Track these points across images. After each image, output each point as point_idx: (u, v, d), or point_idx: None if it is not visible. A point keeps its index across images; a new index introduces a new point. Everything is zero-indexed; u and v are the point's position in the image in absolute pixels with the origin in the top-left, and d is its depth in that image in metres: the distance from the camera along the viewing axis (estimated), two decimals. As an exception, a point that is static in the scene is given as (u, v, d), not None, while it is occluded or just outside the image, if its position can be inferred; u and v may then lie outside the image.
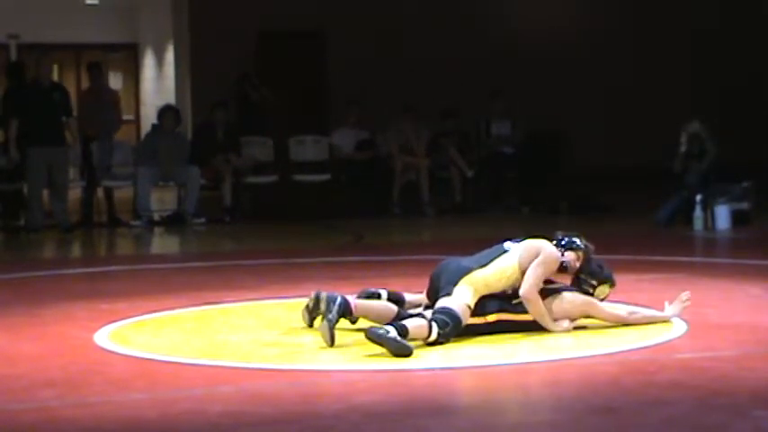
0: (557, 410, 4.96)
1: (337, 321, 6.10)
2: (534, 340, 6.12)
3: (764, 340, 6.10)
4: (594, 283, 6.43)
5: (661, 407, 4.84)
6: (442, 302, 6.11)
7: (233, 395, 5.19)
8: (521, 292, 6.23)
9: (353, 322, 6.30)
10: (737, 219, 11.95)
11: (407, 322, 5.94)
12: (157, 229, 13.47)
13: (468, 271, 6.20)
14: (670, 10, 18.64)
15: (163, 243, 13.03)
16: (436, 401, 5.06)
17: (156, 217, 13.80)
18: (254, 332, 6.58)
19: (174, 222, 13.61)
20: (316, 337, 6.21)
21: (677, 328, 6.29)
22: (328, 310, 6.10)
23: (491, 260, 6.29)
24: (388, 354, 5.80)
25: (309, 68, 17.35)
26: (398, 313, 6.20)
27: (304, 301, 6.65)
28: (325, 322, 6.09)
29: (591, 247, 6.50)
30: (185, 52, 17.40)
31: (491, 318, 6.24)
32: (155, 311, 7.27)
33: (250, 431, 4.56)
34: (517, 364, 5.68)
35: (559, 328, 6.26)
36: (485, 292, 6.21)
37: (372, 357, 5.84)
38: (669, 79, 18.53)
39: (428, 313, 6.11)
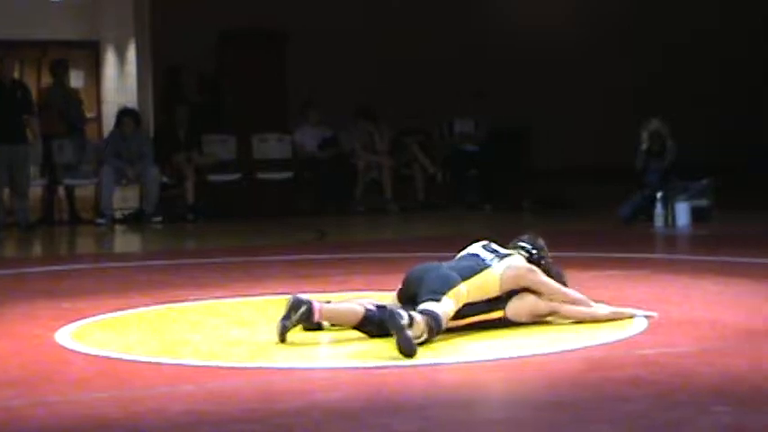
0: (518, 407, 4.98)
1: (292, 327, 6.08)
2: (494, 338, 6.14)
3: (724, 336, 6.15)
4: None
5: (621, 403, 4.87)
6: (430, 306, 5.97)
7: (195, 394, 5.18)
8: (562, 312, 6.34)
9: (308, 329, 6.23)
10: (697, 216, 12.06)
11: (415, 315, 5.81)
12: (119, 228, 13.43)
13: (455, 283, 6.09)
14: (640, 17, 18.78)
15: (125, 241, 12.99)
16: (398, 399, 5.07)
17: (119, 215, 13.77)
18: (216, 330, 6.57)
19: (135, 221, 13.58)
20: (275, 336, 6.20)
21: (637, 325, 6.34)
22: (287, 316, 6.06)
23: (475, 274, 6.22)
24: (349, 352, 5.80)
25: (270, 67, 17.33)
26: (365, 316, 6.14)
27: (267, 299, 6.62)
28: (279, 324, 6.07)
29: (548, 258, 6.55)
30: (147, 50, 17.34)
31: (463, 322, 6.22)
32: (117, 310, 7.24)
33: (212, 430, 4.56)
34: (478, 361, 5.70)
35: (603, 312, 6.36)
36: (465, 302, 6.18)
37: (334, 355, 5.85)
38: (634, 78, 18.64)
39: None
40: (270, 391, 5.22)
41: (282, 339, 6.06)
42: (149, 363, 5.76)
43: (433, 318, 5.90)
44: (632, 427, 4.45)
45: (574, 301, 6.41)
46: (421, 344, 5.78)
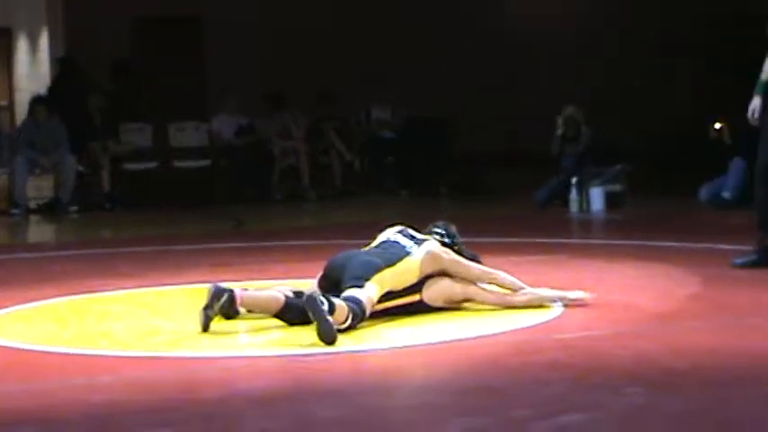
0: (439, 392, 5.03)
1: (215, 317, 6.07)
2: (416, 324, 6.19)
3: (638, 319, 6.26)
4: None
5: (539, 386, 4.95)
6: (354, 292, 6.00)
7: (114, 384, 5.15)
8: (480, 276, 6.39)
9: (229, 318, 6.21)
10: (611, 201, 12.23)
11: (337, 301, 5.81)
12: (34, 218, 13.27)
13: (378, 269, 6.13)
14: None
15: (40, 231, 12.84)
16: (320, 386, 5.09)
17: (33, 205, 13.61)
18: (135, 320, 6.54)
19: (50, 210, 13.44)
20: (197, 325, 6.19)
21: (554, 309, 6.42)
22: (210, 305, 6.04)
23: (398, 261, 6.26)
24: (270, 340, 5.82)
25: (186, 54, 17.22)
26: (286, 303, 6.12)
27: (186, 288, 6.60)
28: (202, 313, 6.05)
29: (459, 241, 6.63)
30: (59, 38, 17.12)
31: (381, 306, 6.25)
32: (32, 301, 7.16)
33: (131, 420, 4.54)
34: (400, 347, 5.74)
35: (519, 298, 6.40)
36: (388, 289, 6.20)
37: (256, 343, 5.86)
38: (552, 65, 18.78)
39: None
40: (190, 381, 5.21)
41: (206, 329, 6.06)
42: (65, 354, 5.71)
43: (356, 303, 5.92)
44: (551, 410, 4.53)
45: (497, 281, 6.48)
46: (344, 330, 5.82)
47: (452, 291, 6.43)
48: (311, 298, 5.73)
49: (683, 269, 7.82)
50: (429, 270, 6.37)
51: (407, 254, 6.33)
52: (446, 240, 6.59)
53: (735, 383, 4.94)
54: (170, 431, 4.38)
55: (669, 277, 7.60)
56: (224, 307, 6.06)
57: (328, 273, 6.27)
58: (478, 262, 6.61)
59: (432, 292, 6.39)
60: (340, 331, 5.80)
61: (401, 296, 6.31)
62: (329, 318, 5.66)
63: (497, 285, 6.51)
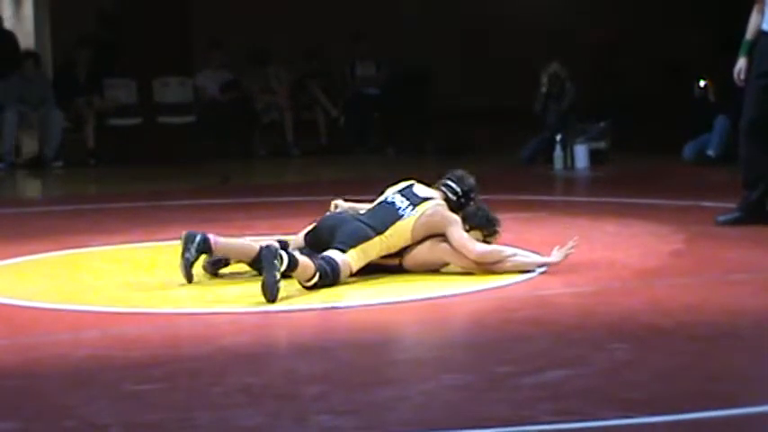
0: (422, 348, 5.06)
1: (195, 260, 6.09)
2: (397, 282, 6.20)
3: (620, 276, 6.29)
4: (467, 227, 6.26)
5: (521, 342, 4.98)
6: (331, 253, 5.97)
7: (98, 339, 5.17)
8: (475, 259, 6.12)
9: (215, 274, 6.25)
10: (595, 158, 12.24)
11: (300, 258, 5.82)
12: (19, 173, 13.23)
13: (367, 238, 6.07)
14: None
15: (26, 187, 12.81)
16: (303, 342, 5.12)
17: (18, 160, 13.58)
18: (120, 276, 6.55)
19: (34, 166, 13.41)
20: (182, 280, 6.21)
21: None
22: (186, 249, 6.06)
23: (388, 227, 6.15)
24: (255, 296, 5.84)
25: (172, 8, 17.08)
26: (260, 252, 5.98)
27: (170, 244, 6.60)
28: (182, 261, 6.06)
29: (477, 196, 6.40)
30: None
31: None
32: (17, 256, 7.17)
33: (116, 375, 4.56)
34: (380, 304, 5.76)
35: (527, 260, 6.22)
36: (373, 257, 6.13)
37: (240, 299, 5.87)
38: (528, 20, 18.70)
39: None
40: (175, 336, 5.24)
41: (189, 275, 6.07)
42: (50, 309, 5.72)
43: (328, 264, 5.90)
44: (535, 366, 4.56)
45: (496, 268, 6.18)
46: (311, 288, 5.82)
47: (433, 255, 6.24)
48: (267, 250, 5.69)
49: (667, 226, 7.86)
50: (421, 235, 6.20)
51: (399, 218, 6.19)
52: (454, 198, 6.32)
53: (718, 338, 4.98)
54: (154, 386, 4.40)
55: (653, 234, 7.63)
56: (199, 248, 6.03)
57: (318, 232, 6.22)
58: (494, 231, 6.30)
59: (412, 257, 6.26)
60: (308, 288, 5.81)
61: (383, 259, 6.26)
62: (276, 274, 5.62)
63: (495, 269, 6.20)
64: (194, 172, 12.95)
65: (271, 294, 5.63)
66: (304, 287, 5.89)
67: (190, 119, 14.56)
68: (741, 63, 7.69)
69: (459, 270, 6.33)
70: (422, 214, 6.22)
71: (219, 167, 12.83)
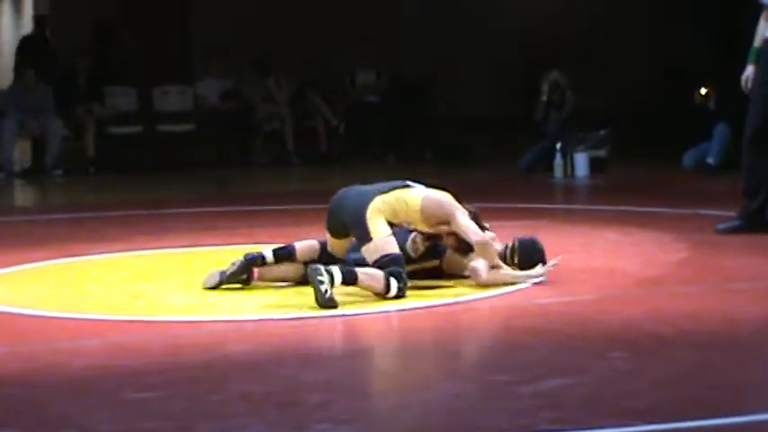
0: (422, 357, 5.06)
1: (227, 282, 6.21)
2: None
3: (620, 284, 6.29)
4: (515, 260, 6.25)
5: (521, 351, 4.98)
6: (372, 250, 5.88)
7: (98, 348, 5.17)
8: (474, 239, 6.02)
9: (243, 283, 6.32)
10: (595, 166, 12.25)
11: (360, 271, 5.79)
12: (18, 181, 13.24)
13: (371, 198, 6.00)
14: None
15: (25, 195, 12.82)
16: (304, 350, 5.11)
17: (17, 168, 13.60)
18: (120, 284, 6.55)
19: (32, 174, 13.43)
20: (183, 289, 6.21)
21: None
22: (232, 264, 6.21)
23: (392, 189, 6.12)
24: (255, 304, 5.83)
25: (171, 16, 17.11)
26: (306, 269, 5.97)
27: (171, 252, 6.61)
28: (219, 272, 6.22)
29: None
30: (43, 1, 17.01)
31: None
32: (16, 264, 7.16)
33: (116, 383, 4.56)
34: (380, 312, 5.75)
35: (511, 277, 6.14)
36: (391, 218, 6.04)
37: (241, 307, 5.88)
38: (530, 28, 18.71)
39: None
40: (175, 344, 5.23)
41: (211, 286, 6.20)
42: (50, 317, 5.72)
43: (392, 262, 5.83)
44: (533, 374, 4.55)
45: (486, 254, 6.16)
46: (397, 297, 5.79)
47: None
48: (310, 267, 5.73)
49: (667, 235, 7.86)
50: (432, 213, 6.07)
51: (407, 185, 6.18)
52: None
53: (718, 346, 4.98)
54: (155, 394, 4.40)
55: (653, 243, 7.63)
56: (237, 272, 6.18)
57: (331, 217, 6.18)
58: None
59: (451, 260, 6.30)
60: (394, 298, 5.79)
61: (420, 262, 6.24)
62: (325, 290, 5.63)
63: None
64: (194, 180, 12.96)
65: (325, 304, 5.65)
66: (386, 298, 5.83)
67: (190, 127, 14.59)
68: (749, 71, 7.67)
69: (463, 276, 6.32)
70: (435, 193, 6.16)
71: (219, 176, 12.85)
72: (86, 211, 10.32)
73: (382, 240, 5.92)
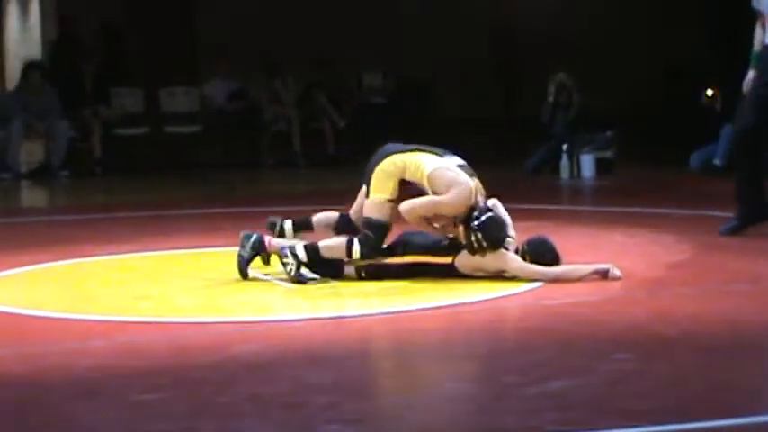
0: (430, 358, 5.07)
1: (251, 258, 6.41)
2: (404, 289, 6.21)
3: (626, 285, 6.29)
4: (483, 244, 6.23)
5: (527, 352, 4.98)
6: (364, 207, 6.28)
7: (105, 348, 5.18)
8: (401, 206, 6.22)
9: (266, 261, 6.52)
10: (602, 167, 12.25)
11: (321, 244, 6.24)
12: (25, 183, 13.27)
13: (386, 157, 6.29)
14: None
15: (32, 196, 12.84)
16: (311, 351, 5.12)
17: (24, 170, 13.62)
18: (126, 285, 6.56)
19: (40, 175, 13.45)
20: (189, 290, 6.22)
21: (543, 276, 6.44)
22: (242, 246, 6.39)
23: (413, 150, 6.34)
24: (262, 304, 5.84)
25: (178, 18, 17.13)
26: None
27: (178, 253, 6.63)
28: (237, 258, 6.38)
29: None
30: (50, 1, 17.03)
31: (409, 257, 6.33)
32: (23, 265, 7.18)
33: (122, 384, 4.57)
34: (387, 313, 5.77)
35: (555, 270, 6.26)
36: (401, 175, 6.25)
37: (247, 308, 5.89)
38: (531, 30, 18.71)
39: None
40: (182, 345, 5.24)
41: (244, 273, 6.39)
42: (56, 318, 5.73)
43: (364, 226, 6.21)
44: (538, 375, 4.56)
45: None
46: (364, 257, 6.21)
47: (483, 260, 6.28)
48: (281, 248, 6.27)
49: (672, 236, 7.86)
50: (434, 183, 6.22)
51: (432, 152, 6.36)
52: (474, 222, 6.23)
53: (723, 348, 4.98)
54: (161, 395, 4.41)
55: (659, 244, 7.63)
56: (254, 246, 6.39)
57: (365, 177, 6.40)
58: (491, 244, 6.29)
59: (463, 258, 6.34)
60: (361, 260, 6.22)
61: (433, 253, 6.36)
62: (291, 270, 6.19)
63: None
64: (201, 181, 12.97)
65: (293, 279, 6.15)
66: (353, 261, 6.25)
67: (196, 128, 14.60)
68: (751, 75, 7.70)
69: (470, 278, 6.33)
70: (442, 173, 6.25)
71: (226, 177, 12.87)
72: (93, 213, 10.34)
73: (373, 202, 6.24)
